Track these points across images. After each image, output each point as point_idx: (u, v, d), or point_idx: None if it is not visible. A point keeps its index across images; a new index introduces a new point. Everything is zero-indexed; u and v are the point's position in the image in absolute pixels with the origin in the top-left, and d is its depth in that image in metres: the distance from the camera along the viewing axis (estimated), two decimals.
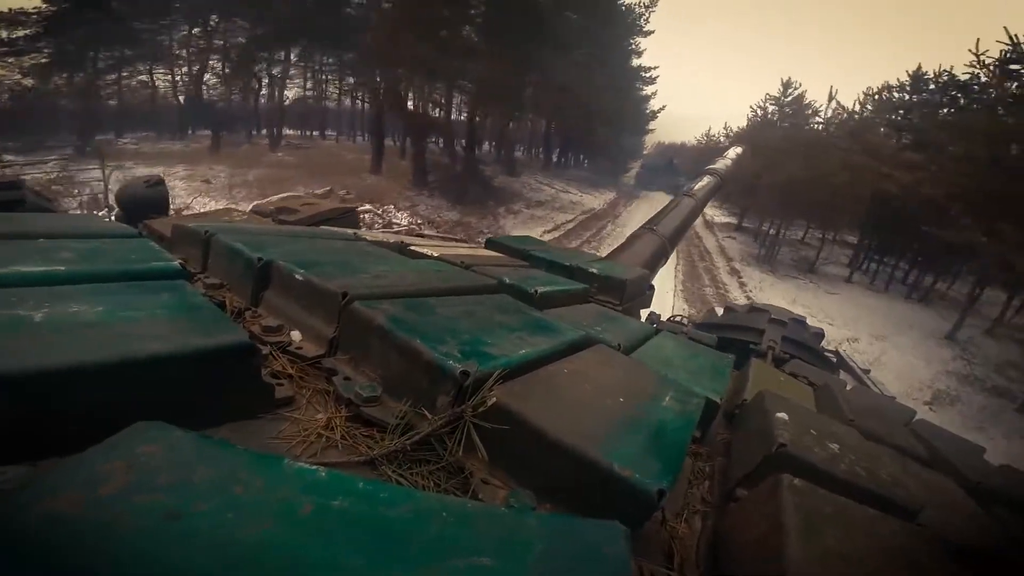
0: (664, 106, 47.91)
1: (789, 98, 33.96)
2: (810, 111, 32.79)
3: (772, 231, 25.73)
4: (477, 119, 23.64)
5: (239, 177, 17.79)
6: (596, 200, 32.39)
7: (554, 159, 44.49)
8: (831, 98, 28.24)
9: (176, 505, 0.48)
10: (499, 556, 0.53)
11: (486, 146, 35.85)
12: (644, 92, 45.63)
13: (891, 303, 19.26)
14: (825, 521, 0.86)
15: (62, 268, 1.01)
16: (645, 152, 68.44)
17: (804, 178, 21.08)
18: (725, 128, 39.82)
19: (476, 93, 20.60)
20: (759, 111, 35.93)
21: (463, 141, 23.31)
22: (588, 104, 25.31)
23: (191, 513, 0.48)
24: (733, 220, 34.29)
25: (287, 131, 29.34)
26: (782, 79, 34.45)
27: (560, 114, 25.98)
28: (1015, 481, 1.81)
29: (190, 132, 24.13)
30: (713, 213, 36.05)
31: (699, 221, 30.65)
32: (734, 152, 9.54)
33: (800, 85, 34.03)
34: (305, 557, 0.47)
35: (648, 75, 43.65)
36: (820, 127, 28.52)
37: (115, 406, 0.71)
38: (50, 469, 0.51)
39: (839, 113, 27.88)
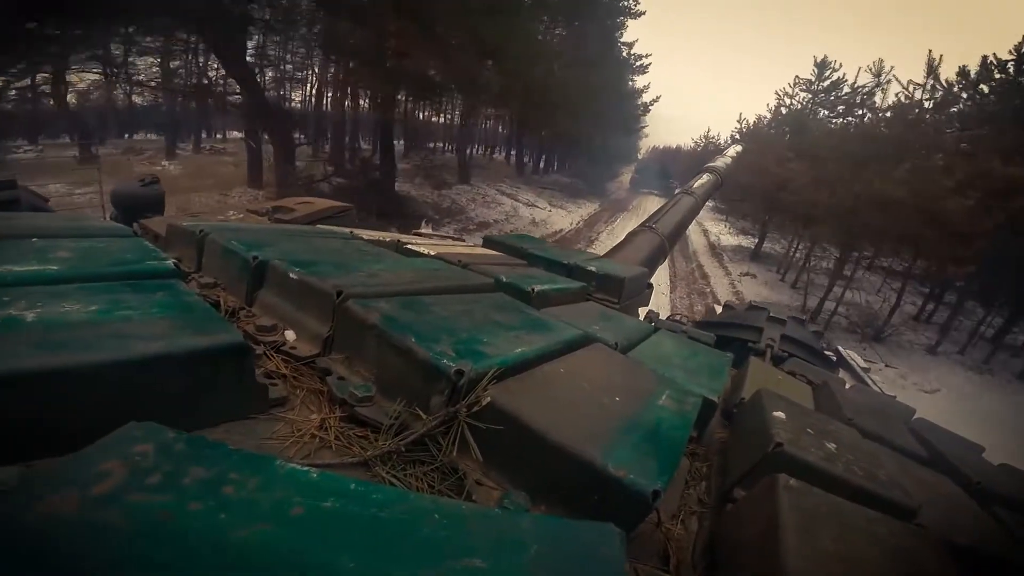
0: (659, 96, 39.85)
1: (827, 82, 25.29)
2: (864, 94, 22.21)
3: (797, 255, 20.00)
4: (400, 112, 18.91)
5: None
6: (570, 216, 25.80)
7: (529, 163, 37.66)
8: (931, 71, 16.42)
9: (168, 506, 0.48)
10: (492, 558, 0.53)
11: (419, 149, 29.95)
12: (634, 85, 38.52)
13: (1014, 395, 13.21)
14: (822, 522, 0.85)
15: (55, 268, 1.00)
16: (640, 157, 68.49)
17: (894, 199, 13.18)
18: (740, 121, 31.66)
19: (386, 75, 14.67)
20: (785, 99, 27.14)
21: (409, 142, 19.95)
22: (561, 96, 19.31)
23: (183, 514, 0.48)
24: (746, 242, 26.90)
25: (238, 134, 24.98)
26: (815, 58, 25.59)
27: (527, 109, 19.41)
28: (1015, 481, 1.81)
29: (127, 136, 20.51)
30: (719, 230, 30.81)
31: (704, 243, 27.11)
32: (734, 151, 9.54)
33: (840, 66, 24.81)
34: (297, 558, 0.47)
35: (639, 64, 36.30)
36: (914, 115, 17.12)
37: (107, 407, 0.71)
38: (44, 469, 0.50)
39: (950, 95, 16.88)
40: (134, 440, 0.55)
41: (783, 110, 27.91)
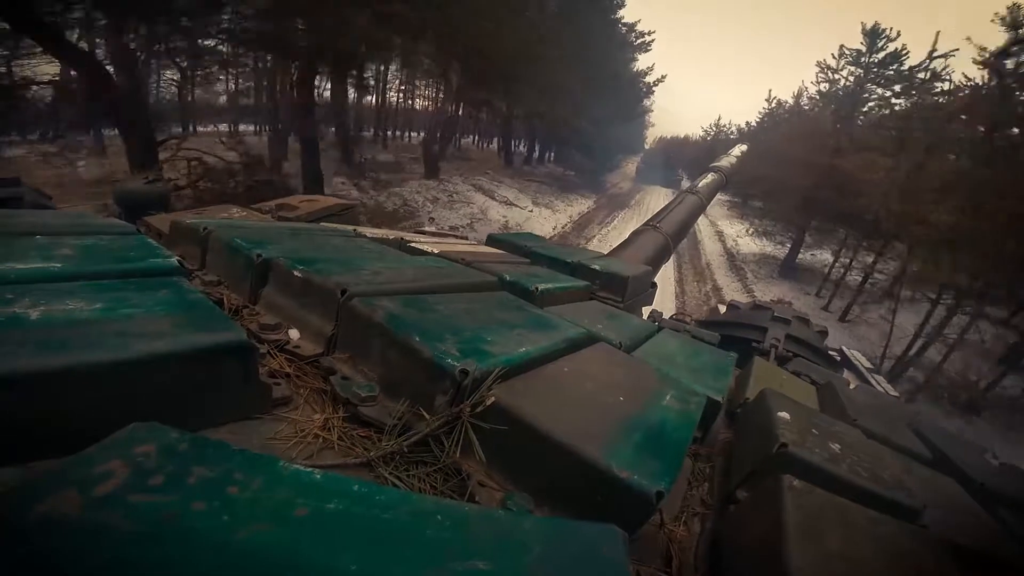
0: (664, 76, 34.43)
1: (881, 54, 19.58)
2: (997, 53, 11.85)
3: (846, 274, 15.43)
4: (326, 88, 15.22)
5: None
6: (555, 218, 21.66)
7: (522, 154, 34.65)
8: None
9: (171, 506, 0.48)
10: (495, 559, 0.53)
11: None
12: (636, 65, 34.11)
13: None
14: (826, 523, 0.85)
15: (59, 265, 1.00)
16: (647, 148, 68.26)
17: None
18: (769, 100, 25.98)
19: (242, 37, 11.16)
20: (827, 72, 21.19)
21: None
22: (546, 74, 16.43)
23: (186, 514, 0.48)
24: (771, 248, 21.68)
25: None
26: (863, 24, 19.94)
27: (501, 85, 16.58)
28: (1018, 481, 1.80)
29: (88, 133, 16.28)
30: (735, 232, 25.89)
31: (718, 250, 22.69)
32: (739, 150, 9.52)
33: (898, 35, 19.31)
34: (300, 560, 0.47)
35: (640, 42, 31.76)
36: None
37: (110, 406, 0.71)
38: (46, 470, 0.50)
39: None
40: (137, 440, 0.55)
41: (821, 87, 21.38)
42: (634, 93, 34.95)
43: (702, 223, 25.08)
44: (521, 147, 35.95)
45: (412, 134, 34.26)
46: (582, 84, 21.45)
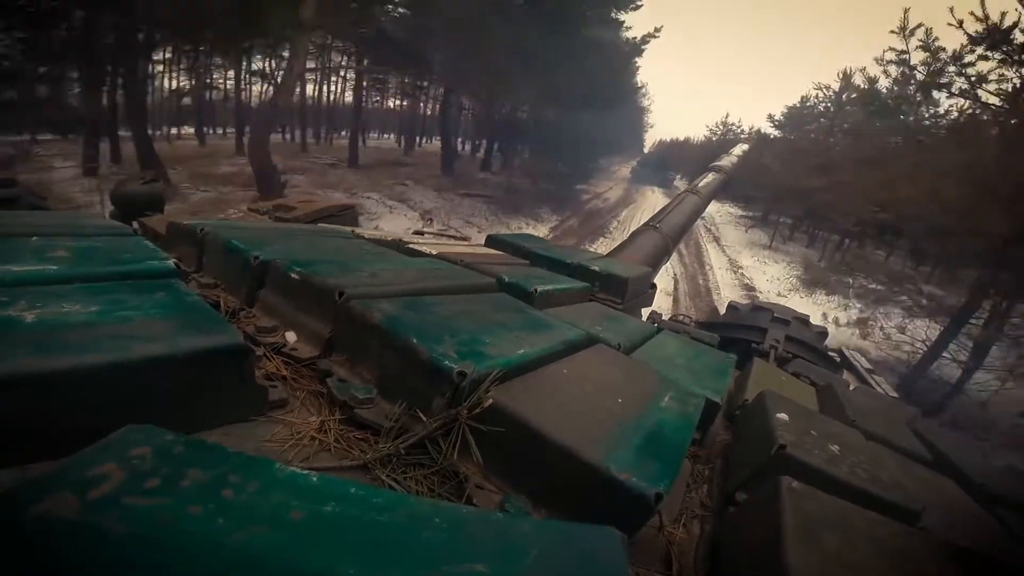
0: (660, 27, 23.07)
1: None
2: None
3: None
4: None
5: None
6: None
7: (476, 156, 27.25)
8: None
9: (166, 509, 0.48)
10: (493, 562, 0.52)
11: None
12: (622, 32, 23.78)
13: None
14: (826, 525, 0.85)
15: (54, 267, 1.00)
16: (646, 151, 68.44)
17: None
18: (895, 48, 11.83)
19: None
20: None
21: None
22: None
23: (181, 517, 0.47)
24: (855, 332, 12.87)
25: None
26: None
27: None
28: (1018, 482, 1.80)
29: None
30: (774, 283, 17.06)
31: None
32: (740, 149, 9.52)
33: None
34: (296, 563, 0.46)
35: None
36: None
37: (106, 408, 0.71)
38: (41, 472, 0.50)
39: None
40: (132, 443, 0.55)
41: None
42: (620, 62, 25.41)
43: (718, 263, 19.99)
44: (497, 148, 27.51)
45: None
46: (537, 48, 14.95)
